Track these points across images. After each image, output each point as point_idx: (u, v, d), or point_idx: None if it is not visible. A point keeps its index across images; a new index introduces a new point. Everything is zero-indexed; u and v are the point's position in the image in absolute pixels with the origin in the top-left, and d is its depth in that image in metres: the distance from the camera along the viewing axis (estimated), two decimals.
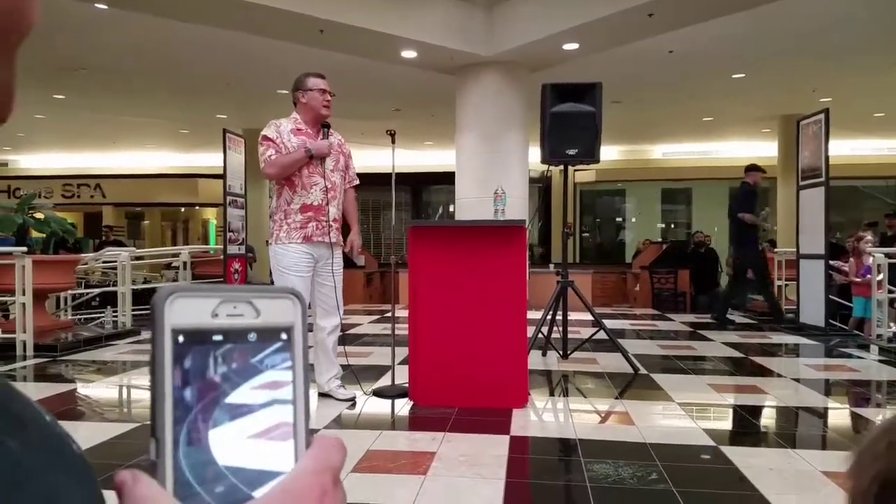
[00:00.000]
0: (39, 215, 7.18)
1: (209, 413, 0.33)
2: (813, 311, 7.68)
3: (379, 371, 5.05)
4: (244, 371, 0.34)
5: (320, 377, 4.26)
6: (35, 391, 4.81)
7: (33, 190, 11.06)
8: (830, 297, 7.62)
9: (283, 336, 0.36)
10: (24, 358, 5.95)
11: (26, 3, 0.33)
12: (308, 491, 0.32)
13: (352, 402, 4.18)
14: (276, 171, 3.97)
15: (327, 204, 4.03)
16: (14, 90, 0.35)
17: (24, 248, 6.33)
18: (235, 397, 0.34)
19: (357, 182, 4.36)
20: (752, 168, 8.38)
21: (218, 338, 0.34)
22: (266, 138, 4.03)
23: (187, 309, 0.33)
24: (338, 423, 3.81)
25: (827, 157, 7.48)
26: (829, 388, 4.95)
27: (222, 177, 8.71)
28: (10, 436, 0.29)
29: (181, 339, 0.33)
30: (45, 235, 7.24)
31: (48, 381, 5.12)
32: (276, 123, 4.10)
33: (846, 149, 14.40)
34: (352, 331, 7.56)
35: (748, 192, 8.24)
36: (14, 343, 6.04)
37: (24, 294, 6.09)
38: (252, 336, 0.35)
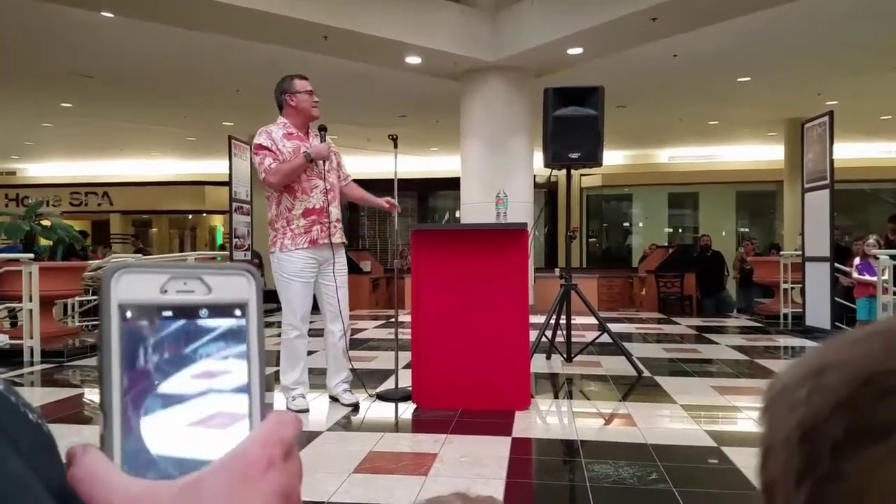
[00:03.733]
0: (46, 223, 7.24)
1: (155, 388, 0.33)
2: (819, 313, 7.65)
3: (383, 375, 5.06)
4: (195, 346, 0.34)
5: (329, 381, 4.28)
6: (42, 396, 4.85)
7: (41, 198, 11.16)
8: (836, 299, 7.58)
9: (237, 312, 0.35)
10: (32, 363, 5.99)
11: None
12: (255, 461, 0.32)
13: (355, 407, 4.19)
14: (279, 179, 3.92)
15: (329, 205, 4.01)
16: None
17: (32, 255, 6.38)
18: (186, 372, 0.34)
19: (351, 178, 4.35)
20: None
21: (167, 313, 0.34)
22: (261, 147, 3.97)
23: (135, 285, 0.33)
24: (341, 425, 3.82)
25: (832, 160, 7.46)
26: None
27: (228, 184, 8.78)
28: None
29: (129, 314, 0.33)
30: (52, 243, 7.29)
31: (55, 385, 5.15)
32: (266, 131, 4.05)
33: (852, 152, 14.37)
34: (357, 335, 7.58)
35: None
36: (21, 349, 6.08)
37: (31, 300, 6.14)
38: (203, 312, 0.35)
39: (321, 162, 4.00)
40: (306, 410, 4.06)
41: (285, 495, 0.32)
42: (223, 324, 0.35)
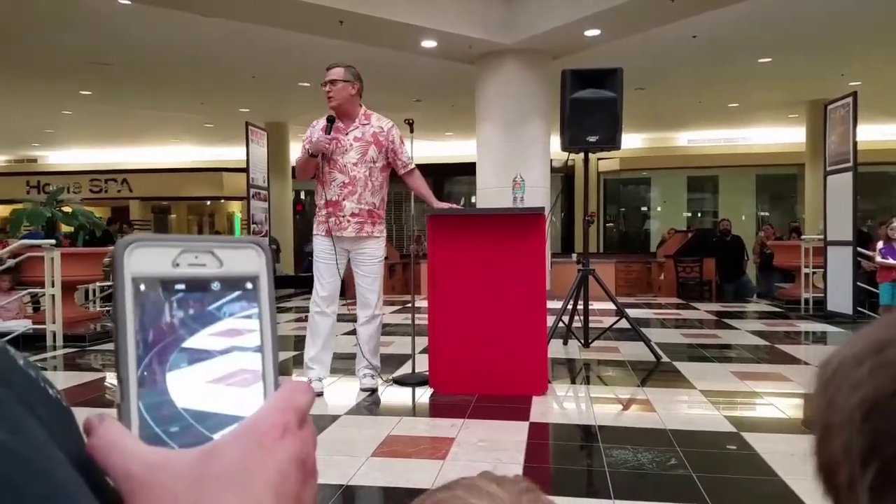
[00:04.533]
0: (67, 209, 7.32)
1: (171, 358, 0.33)
2: (841, 298, 7.56)
3: (400, 360, 5.08)
4: (208, 318, 0.34)
5: (356, 364, 4.37)
6: (64, 380, 4.92)
7: (61, 185, 11.26)
8: (858, 283, 7.48)
9: (249, 285, 0.36)
10: (54, 348, 6.08)
11: None
12: (270, 429, 0.32)
13: (371, 392, 4.21)
14: (297, 175, 4.34)
15: (343, 199, 4.07)
16: None
17: (53, 241, 6.45)
18: (199, 344, 0.34)
19: (411, 167, 4.29)
20: None
21: (180, 286, 0.34)
22: (303, 139, 4.28)
23: (147, 258, 0.33)
24: (360, 409, 3.84)
25: (855, 142, 7.33)
26: None
27: (246, 170, 8.80)
28: None
29: (142, 287, 0.33)
30: (73, 229, 7.37)
31: (77, 370, 5.22)
32: (313, 124, 4.24)
33: (876, 133, 14.11)
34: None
35: None
36: (44, 333, 6.17)
37: (53, 286, 6.21)
38: (215, 285, 0.35)
39: (336, 154, 4.10)
40: (319, 394, 4.11)
41: (301, 461, 0.32)
42: (235, 296, 0.35)
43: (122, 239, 0.33)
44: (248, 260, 0.36)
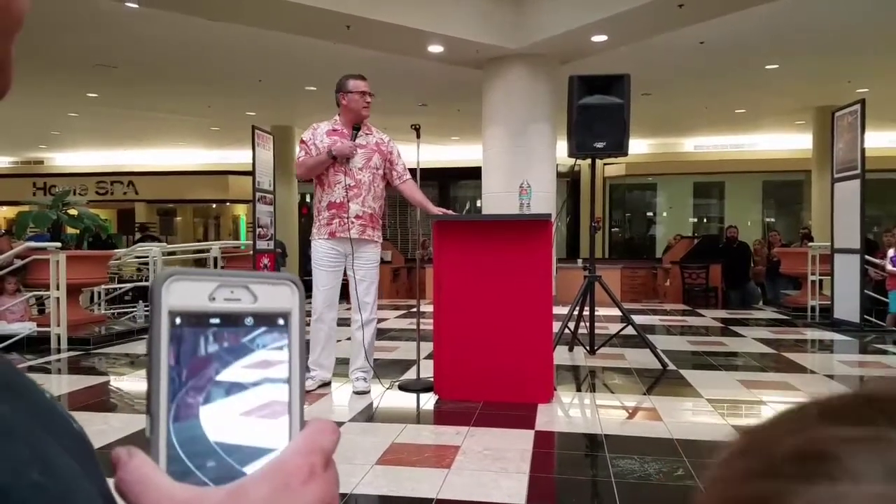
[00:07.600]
0: (73, 211, 7.33)
1: (202, 392, 0.34)
2: (848, 306, 7.51)
3: (404, 365, 5.06)
4: (241, 351, 0.35)
5: (350, 367, 4.38)
6: (69, 383, 4.92)
7: (67, 187, 11.28)
8: (866, 292, 7.43)
9: (280, 321, 0.36)
10: (59, 351, 6.07)
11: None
12: (296, 471, 0.33)
13: (363, 394, 4.22)
14: (301, 172, 4.24)
15: (348, 201, 4.13)
16: (9, 70, 0.38)
17: (59, 244, 6.46)
18: (230, 376, 0.35)
19: (407, 178, 4.38)
20: None
21: (215, 321, 0.35)
22: (301, 141, 4.29)
23: (185, 292, 0.34)
24: (363, 415, 3.82)
25: (863, 150, 7.30)
26: (862, 385, 4.83)
27: (251, 173, 8.81)
28: (5, 402, 0.30)
29: (178, 320, 0.34)
30: (78, 231, 7.37)
31: (81, 373, 5.21)
32: (314, 126, 4.31)
33: (883, 140, 14.05)
34: (378, 325, 7.57)
35: None
36: (49, 336, 6.17)
37: (58, 288, 6.21)
38: (249, 320, 0.36)
39: (346, 159, 4.13)
40: (312, 390, 4.25)
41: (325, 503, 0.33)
42: (266, 332, 0.36)
43: (160, 272, 0.34)
44: (282, 296, 0.37)
